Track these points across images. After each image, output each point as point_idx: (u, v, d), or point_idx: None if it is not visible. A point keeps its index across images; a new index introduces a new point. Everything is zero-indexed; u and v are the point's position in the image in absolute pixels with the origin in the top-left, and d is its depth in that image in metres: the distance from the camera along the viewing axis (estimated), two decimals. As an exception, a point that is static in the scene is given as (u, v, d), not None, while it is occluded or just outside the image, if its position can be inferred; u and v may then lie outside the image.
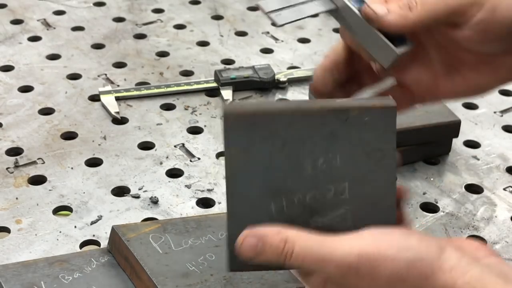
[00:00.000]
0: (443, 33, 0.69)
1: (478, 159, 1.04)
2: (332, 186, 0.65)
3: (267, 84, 1.18)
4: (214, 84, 1.17)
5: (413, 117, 0.99)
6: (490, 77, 0.71)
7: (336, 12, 0.72)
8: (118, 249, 0.79)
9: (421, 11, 0.67)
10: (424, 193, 0.97)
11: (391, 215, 0.65)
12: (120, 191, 0.96)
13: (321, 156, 0.64)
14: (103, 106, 1.11)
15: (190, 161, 1.02)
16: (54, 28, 1.32)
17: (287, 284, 0.76)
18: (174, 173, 0.99)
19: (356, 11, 0.70)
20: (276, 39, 1.33)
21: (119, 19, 1.36)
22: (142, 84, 1.18)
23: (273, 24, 0.71)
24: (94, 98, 1.14)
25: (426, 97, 0.73)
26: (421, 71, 0.72)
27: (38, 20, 1.34)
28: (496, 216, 0.94)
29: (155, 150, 1.04)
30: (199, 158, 1.02)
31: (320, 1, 0.73)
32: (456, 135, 1.04)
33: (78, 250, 0.86)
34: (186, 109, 1.13)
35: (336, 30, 1.36)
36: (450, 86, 0.72)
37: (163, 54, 1.26)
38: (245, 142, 0.64)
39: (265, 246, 0.63)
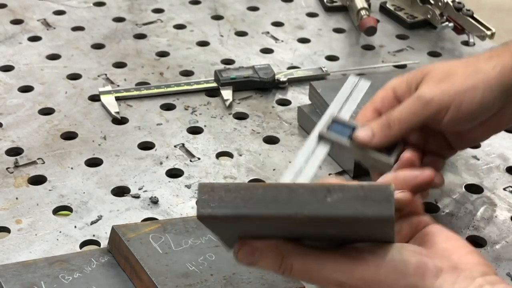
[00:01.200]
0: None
1: (478, 159, 1.04)
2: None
3: (267, 84, 1.18)
4: (214, 84, 1.17)
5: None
6: (489, 132, 0.89)
7: (332, 147, 0.84)
8: (118, 249, 0.79)
9: (398, 127, 0.83)
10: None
11: (391, 234, 0.63)
12: (120, 191, 0.96)
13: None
14: (103, 106, 1.11)
15: (190, 161, 1.02)
16: (54, 28, 1.32)
17: (287, 284, 0.76)
18: (174, 173, 0.99)
19: (347, 144, 0.83)
20: (276, 39, 1.33)
21: (119, 19, 1.36)
22: (142, 84, 1.18)
23: None
24: (94, 98, 1.14)
25: (450, 154, 0.90)
26: (436, 140, 0.88)
27: (38, 20, 1.34)
28: (496, 216, 0.94)
29: (155, 150, 1.04)
30: (199, 158, 1.02)
31: (319, 147, 0.84)
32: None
33: (78, 250, 0.86)
34: (186, 109, 1.13)
35: (335, 30, 1.36)
36: (461, 143, 0.90)
37: (163, 54, 1.26)
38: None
39: (261, 257, 0.63)
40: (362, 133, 0.82)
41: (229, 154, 1.04)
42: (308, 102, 1.09)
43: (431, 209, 0.95)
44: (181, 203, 0.94)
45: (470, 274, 0.64)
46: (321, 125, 0.85)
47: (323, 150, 0.84)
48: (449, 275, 0.63)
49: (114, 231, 0.80)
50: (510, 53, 0.84)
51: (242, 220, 0.60)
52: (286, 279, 0.77)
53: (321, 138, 0.84)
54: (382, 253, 0.62)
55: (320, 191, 0.59)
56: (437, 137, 0.88)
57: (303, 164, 0.81)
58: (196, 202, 0.62)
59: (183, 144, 1.05)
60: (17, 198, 0.93)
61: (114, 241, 0.80)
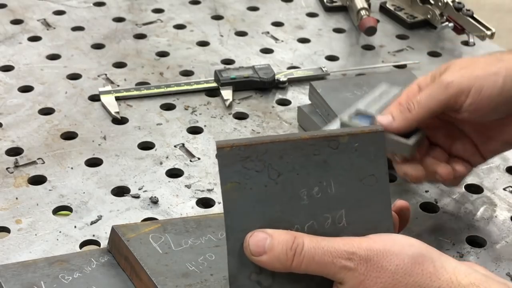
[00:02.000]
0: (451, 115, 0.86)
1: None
2: (329, 215, 0.66)
3: (267, 84, 1.18)
4: (214, 84, 1.17)
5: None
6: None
7: None
8: (118, 249, 0.79)
9: (417, 110, 0.83)
10: (426, 191, 0.97)
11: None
12: (120, 191, 0.96)
13: (316, 185, 0.65)
14: (103, 106, 1.12)
15: (190, 161, 1.02)
16: (54, 28, 1.32)
17: None
18: (174, 173, 0.99)
19: None
20: (276, 39, 1.33)
21: (119, 19, 1.36)
22: (142, 84, 1.18)
23: None
24: (94, 98, 1.14)
25: (477, 161, 0.89)
26: (462, 143, 0.88)
27: (38, 20, 1.34)
28: (496, 216, 0.94)
29: (155, 150, 1.04)
30: (199, 158, 1.02)
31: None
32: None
33: (78, 250, 0.86)
34: (186, 109, 1.13)
35: (335, 30, 1.36)
36: (489, 148, 0.88)
37: (163, 54, 1.26)
38: (240, 176, 0.64)
39: (274, 240, 0.63)
40: (382, 118, 0.84)
41: (229, 154, 1.04)
42: (308, 102, 1.09)
43: (431, 209, 0.95)
44: (181, 203, 0.94)
45: (471, 266, 0.68)
46: (343, 115, 0.87)
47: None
48: (452, 258, 0.67)
49: (114, 231, 0.80)
50: None
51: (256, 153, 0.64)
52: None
53: (343, 126, 0.86)
54: (386, 234, 0.66)
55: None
56: (464, 140, 0.88)
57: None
58: (216, 144, 0.65)
59: (183, 144, 1.05)
60: (17, 198, 0.93)
61: (114, 241, 0.80)
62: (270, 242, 0.63)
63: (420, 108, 0.83)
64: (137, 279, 0.76)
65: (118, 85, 1.17)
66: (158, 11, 1.39)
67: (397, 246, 0.64)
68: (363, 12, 1.31)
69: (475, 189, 0.99)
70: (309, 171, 0.65)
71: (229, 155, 0.64)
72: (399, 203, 0.73)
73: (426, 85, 0.86)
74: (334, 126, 0.89)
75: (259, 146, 0.65)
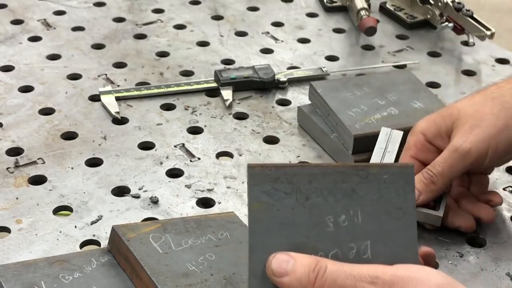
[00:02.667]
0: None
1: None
2: (354, 245, 0.65)
3: (267, 84, 1.18)
4: (214, 84, 1.17)
5: (413, 117, 0.99)
6: None
7: None
8: (118, 249, 0.79)
9: (442, 182, 0.87)
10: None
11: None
12: (120, 191, 0.96)
13: (343, 213, 0.65)
14: (103, 106, 1.12)
15: (190, 161, 1.02)
16: (54, 28, 1.32)
17: None
18: (174, 173, 1.00)
19: None
20: (276, 39, 1.33)
21: (119, 19, 1.36)
22: (142, 84, 1.18)
23: None
24: (94, 98, 1.14)
25: (490, 171, 0.96)
26: (479, 179, 0.95)
27: (38, 20, 1.34)
28: (496, 216, 0.94)
29: (155, 150, 1.04)
30: (199, 158, 1.02)
31: None
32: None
33: (78, 250, 0.86)
34: (186, 109, 1.13)
35: (335, 30, 1.36)
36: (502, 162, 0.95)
37: (163, 54, 1.26)
38: (268, 196, 0.64)
39: (296, 262, 0.63)
40: None
41: (229, 154, 1.04)
42: (308, 102, 1.09)
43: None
44: (181, 203, 0.94)
45: None
46: None
47: None
48: None
49: (114, 231, 0.80)
50: None
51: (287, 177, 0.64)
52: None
53: None
54: (409, 264, 0.64)
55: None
56: (479, 176, 0.94)
57: None
58: (248, 165, 0.65)
59: (183, 144, 1.05)
60: (17, 198, 0.93)
61: (114, 241, 0.80)
62: (293, 264, 0.62)
63: (444, 179, 0.87)
64: (137, 279, 0.76)
65: (118, 85, 1.17)
66: (158, 11, 1.39)
67: (423, 274, 0.63)
68: (363, 12, 1.31)
69: (475, 189, 0.99)
70: (337, 198, 0.65)
71: (259, 175, 0.64)
72: (425, 249, 0.71)
73: (433, 136, 0.90)
74: None
75: (289, 169, 0.64)
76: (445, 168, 0.87)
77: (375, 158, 0.93)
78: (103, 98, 1.13)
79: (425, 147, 0.91)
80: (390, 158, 0.93)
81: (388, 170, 0.66)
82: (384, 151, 0.94)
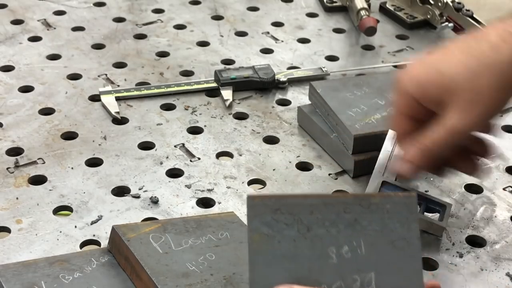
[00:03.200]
0: None
1: (478, 159, 1.04)
2: (358, 277, 0.63)
3: (267, 84, 1.18)
4: (214, 84, 1.17)
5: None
6: None
7: None
8: (118, 249, 0.79)
9: (434, 157, 0.84)
10: (426, 191, 0.97)
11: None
12: (120, 191, 0.96)
13: (346, 244, 0.64)
14: (103, 106, 1.12)
15: (190, 161, 1.02)
16: (55, 28, 1.32)
17: None
18: (174, 173, 1.00)
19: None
20: (276, 39, 1.33)
21: (119, 19, 1.36)
22: (142, 84, 1.18)
23: None
24: (95, 98, 1.14)
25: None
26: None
27: (38, 20, 1.34)
28: (496, 216, 0.94)
29: (155, 150, 1.04)
30: (199, 158, 1.02)
31: None
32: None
33: (78, 250, 0.86)
34: (186, 109, 1.13)
35: (335, 30, 1.36)
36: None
37: (163, 54, 1.27)
38: (268, 228, 0.63)
39: None
40: (402, 167, 0.86)
41: (229, 154, 1.04)
42: (308, 102, 1.09)
43: (431, 208, 0.95)
44: (181, 203, 0.94)
45: None
46: (371, 187, 0.90)
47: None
48: None
49: (114, 231, 0.80)
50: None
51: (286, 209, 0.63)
52: None
53: None
54: None
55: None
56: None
57: None
58: (247, 196, 0.64)
59: (183, 144, 1.05)
60: (17, 198, 0.93)
61: (114, 241, 0.80)
62: None
63: (436, 154, 0.83)
64: (137, 279, 0.76)
65: (118, 85, 1.17)
66: (158, 11, 1.39)
67: None
68: (363, 12, 1.31)
69: (475, 189, 0.99)
70: (340, 229, 0.64)
71: (259, 206, 0.63)
72: (431, 282, 0.69)
73: (422, 103, 0.83)
74: (372, 185, 0.91)
75: (289, 199, 0.64)
76: (440, 146, 0.82)
77: (381, 161, 0.93)
78: (103, 98, 1.13)
79: (417, 110, 0.84)
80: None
81: (391, 199, 0.65)
82: (391, 154, 0.94)
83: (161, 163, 1.01)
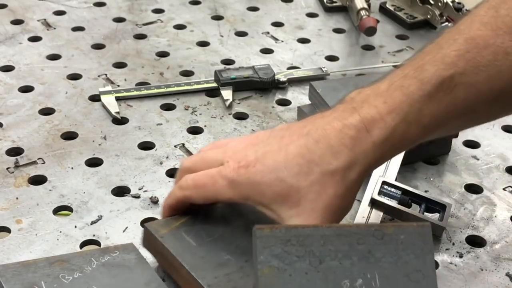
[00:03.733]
0: None
1: (478, 159, 1.04)
2: None
3: (267, 84, 1.18)
4: (214, 84, 1.17)
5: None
6: None
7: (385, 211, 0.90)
8: (154, 247, 0.79)
9: None
10: (425, 191, 0.97)
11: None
12: (120, 191, 0.96)
13: (360, 277, 0.62)
14: (104, 106, 1.12)
15: (190, 161, 1.02)
16: (55, 28, 1.32)
17: None
18: (174, 173, 0.99)
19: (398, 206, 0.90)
20: (276, 39, 1.33)
21: (119, 19, 1.36)
22: (142, 84, 1.18)
23: None
24: (95, 98, 1.14)
25: None
26: None
27: (38, 20, 1.34)
28: (495, 216, 0.94)
29: (155, 150, 1.04)
30: (199, 158, 1.02)
31: (373, 212, 0.89)
32: (456, 135, 1.05)
33: (78, 250, 0.86)
34: (186, 109, 1.13)
35: (335, 30, 1.36)
36: None
37: (163, 54, 1.27)
38: (279, 260, 0.61)
39: None
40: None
41: (229, 154, 1.04)
42: (308, 102, 1.09)
43: (431, 208, 0.95)
44: (181, 203, 0.94)
45: None
46: (371, 187, 0.90)
47: (378, 215, 0.88)
48: None
49: (146, 230, 0.80)
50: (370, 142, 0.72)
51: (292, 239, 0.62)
52: None
53: (374, 203, 0.89)
54: None
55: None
56: None
57: None
58: (254, 227, 0.63)
59: (183, 144, 1.05)
60: (17, 198, 0.93)
61: (148, 240, 0.80)
62: None
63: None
64: (176, 274, 0.76)
65: (118, 85, 1.17)
66: (158, 11, 1.39)
67: None
68: (363, 12, 1.31)
69: (474, 189, 0.99)
70: (353, 261, 0.62)
71: (269, 237, 0.61)
72: None
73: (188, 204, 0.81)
74: (372, 186, 0.91)
75: (300, 230, 0.62)
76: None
77: (379, 168, 0.93)
78: (103, 98, 1.13)
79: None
80: (395, 165, 0.94)
81: (405, 230, 0.63)
82: (387, 162, 0.94)
83: (161, 163, 1.01)
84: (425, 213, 0.90)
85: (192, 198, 0.79)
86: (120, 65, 1.23)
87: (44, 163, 1.00)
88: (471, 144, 1.07)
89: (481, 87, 0.72)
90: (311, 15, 1.41)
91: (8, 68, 1.21)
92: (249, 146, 0.77)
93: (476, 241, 0.90)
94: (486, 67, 0.71)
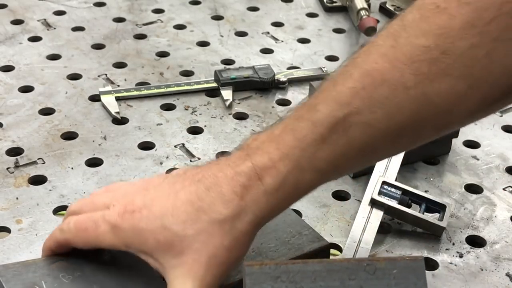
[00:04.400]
0: None
1: (478, 159, 1.04)
2: None
3: (267, 84, 1.18)
4: (214, 84, 1.17)
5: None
6: None
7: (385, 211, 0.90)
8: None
9: None
10: (425, 191, 0.97)
11: None
12: (120, 191, 0.96)
13: None
14: (104, 106, 1.12)
15: (190, 161, 1.02)
16: (55, 28, 1.32)
17: (312, 244, 0.77)
18: (174, 173, 1.00)
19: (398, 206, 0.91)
20: (276, 39, 1.33)
21: (119, 19, 1.36)
22: (142, 84, 1.18)
23: None
24: (95, 98, 1.14)
25: None
26: None
27: (38, 20, 1.34)
28: (495, 216, 0.94)
29: (155, 150, 1.04)
30: (199, 158, 1.02)
31: (373, 212, 0.90)
32: (456, 135, 1.05)
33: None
34: (186, 109, 1.13)
35: (335, 30, 1.36)
36: None
37: (163, 54, 1.27)
38: None
39: None
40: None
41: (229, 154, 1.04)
42: (308, 102, 1.09)
43: (431, 208, 0.95)
44: (181, 203, 0.94)
45: None
46: (371, 187, 0.90)
47: (378, 215, 0.89)
48: None
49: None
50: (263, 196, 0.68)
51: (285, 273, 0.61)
52: (310, 239, 0.77)
53: (374, 203, 0.89)
54: None
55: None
56: None
57: (361, 232, 0.87)
58: (243, 264, 0.62)
59: (183, 144, 1.05)
60: (17, 198, 0.93)
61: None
62: None
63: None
64: None
65: (118, 85, 1.17)
66: (158, 11, 1.40)
67: None
68: (363, 12, 1.31)
69: (475, 189, 0.99)
70: None
71: (258, 274, 0.60)
72: None
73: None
74: (372, 186, 0.91)
75: (290, 266, 0.61)
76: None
77: (378, 167, 0.93)
78: (103, 98, 1.13)
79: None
80: (395, 166, 0.94)
81: (397, 264, 0.62)
82: (388, 162, 0.94)
83: (161, 163, 1.01)
84: (425, 213, 0.90)
85: (72, 242, 0.74)
86: (120, 65, 1.23)
87: (44, 163, 1.00)
88: (471, 144, 1.07)
89: (380, 125, 0.66)
90: (311, 15, 1.41)
91: (8, 68, 1.21)
92: (139, 191, 0.72)
93: (476, 241, 0.90)
94: (384, 104, 0.65)
